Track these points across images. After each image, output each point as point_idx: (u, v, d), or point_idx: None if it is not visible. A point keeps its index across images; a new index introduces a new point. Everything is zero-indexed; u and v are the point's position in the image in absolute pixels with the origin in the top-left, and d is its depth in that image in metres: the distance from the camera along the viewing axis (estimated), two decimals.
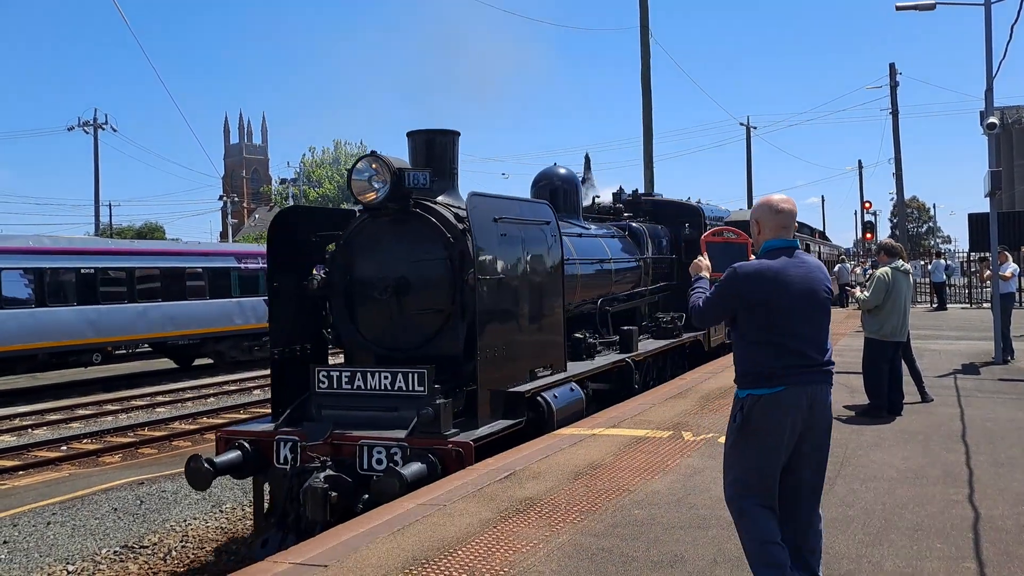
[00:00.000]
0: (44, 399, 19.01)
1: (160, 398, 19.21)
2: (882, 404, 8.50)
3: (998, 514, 5.12)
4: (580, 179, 11.88)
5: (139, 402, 18.66)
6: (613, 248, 11.59)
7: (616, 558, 4.45)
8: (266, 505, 7.46)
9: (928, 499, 5.45)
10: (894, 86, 35.67)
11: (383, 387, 7.02)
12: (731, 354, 3.85)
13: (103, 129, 44.12)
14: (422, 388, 6.85)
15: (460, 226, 7.44)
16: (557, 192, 11.21)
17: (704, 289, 3.95)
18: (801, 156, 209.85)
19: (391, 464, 6.33)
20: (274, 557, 4.62)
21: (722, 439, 7.23)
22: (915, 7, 15.55)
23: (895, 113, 35.69)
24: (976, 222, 23.72)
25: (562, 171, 11.54)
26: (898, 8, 15.56)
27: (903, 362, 8.97)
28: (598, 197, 13.51)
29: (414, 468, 6.14)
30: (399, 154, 8.73)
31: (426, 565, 4.38)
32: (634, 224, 12.82)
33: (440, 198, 7.71)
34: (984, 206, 15.13)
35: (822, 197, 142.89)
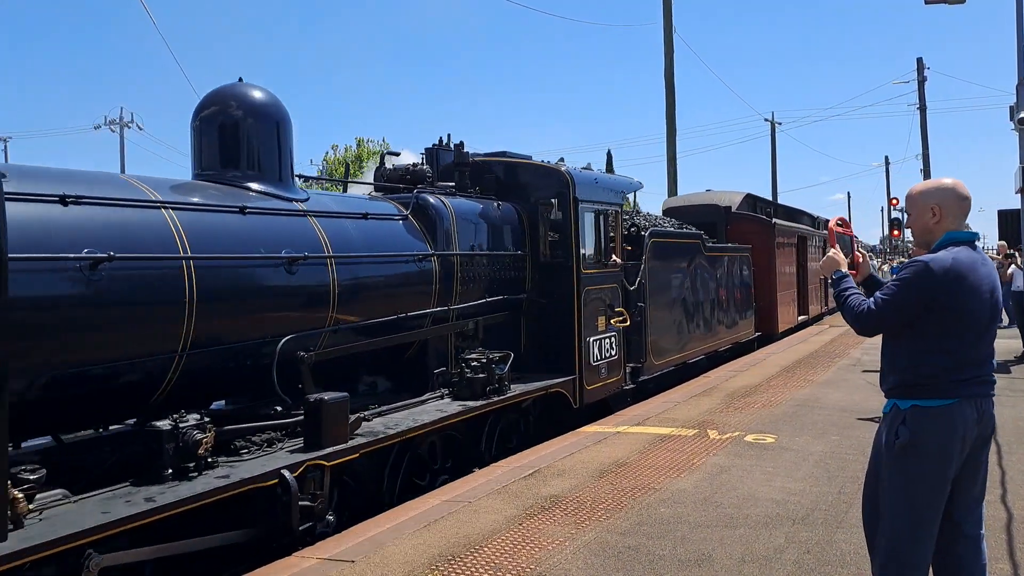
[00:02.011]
0: None
1: None
2: None
3: None
4: (287, 116, 6.30)
5: None
6: (356, 236, 6.46)
7: (642, 556, 4.43)
8: None
9: None
10: (922, 81, 35.25)
11: None
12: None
13: (129, 127, 44.61)
14: None
15: None
16: (237, 130, 5.99)
17: (855, 288, 3.33)
18: (826, 152, 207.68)
19: None
20: (301, 552, 4.65)
21: (749, 438, 7.26)
22: (944, 0, 15.31)
23: (923, 108, 35.27)
24: (1006, 219, 23.32)
25: (255, 95, 6.09)
26: (927, 1, 15.34)
27: None
28: (396, 155, 8.67)
29: None
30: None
31: (452, 562, 4.39)
32: (430, 198, 7.42)
33: None
34: (1015, 202, 14.87)
35: (847, 194, 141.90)
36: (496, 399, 7.07)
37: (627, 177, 10.85)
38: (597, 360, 8.67)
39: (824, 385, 10.16)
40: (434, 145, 8.69)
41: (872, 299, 3.22)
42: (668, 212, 15.49)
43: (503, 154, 9.01)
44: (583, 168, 9.43)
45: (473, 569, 4.30)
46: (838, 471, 6.06)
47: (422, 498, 5.66)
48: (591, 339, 8.54)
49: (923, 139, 35.37)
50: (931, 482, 3.11)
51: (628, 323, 9.22)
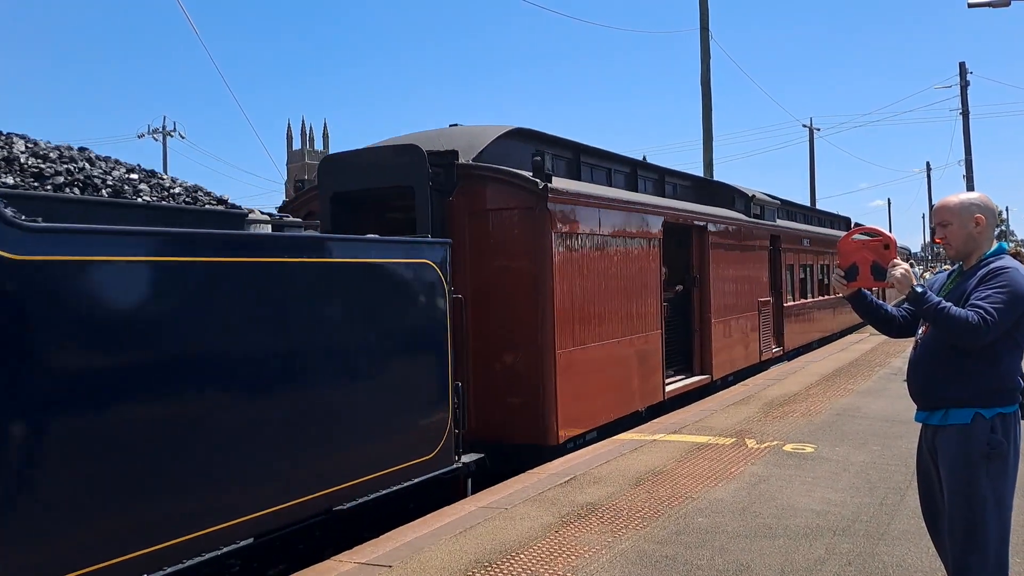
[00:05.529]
0: None
1: None
2: None
3: None
4: None
5: None
6: None
7: (680, 566, 4.40)
8: None
9: None
10: (964, 86, 34.63)
11: None
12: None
13: (172, 136, 45.43)
14: None
15: None
16: None
17: (940, 300, 3.15)
18: (866, 158, 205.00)
19: None
20: (339, 556, 4.69)
21: (788, 447, 7.16)
22: (988, 4, 15.05)
23: (965, 114, 34.64)
24: None
25: None
26: (970, 5, 15.08)
27: None
28: None
29: None
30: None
31: (488, 568, 4.39)
32: None
33: None
34: None
35: (888, 200, 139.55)
36: None
37: None
38: None
39: (865, 394, 10.00)
40: None
41: (977, 309, 3.07)
42: (326, 169, 7.47)
43: None
44: None
45: None
46: (880, 481, 5.96)
47: (458, 504, 5.68)
48: None
49: (966, 145, 34.75)
50: (1012, 485, 3.21)
51: None
